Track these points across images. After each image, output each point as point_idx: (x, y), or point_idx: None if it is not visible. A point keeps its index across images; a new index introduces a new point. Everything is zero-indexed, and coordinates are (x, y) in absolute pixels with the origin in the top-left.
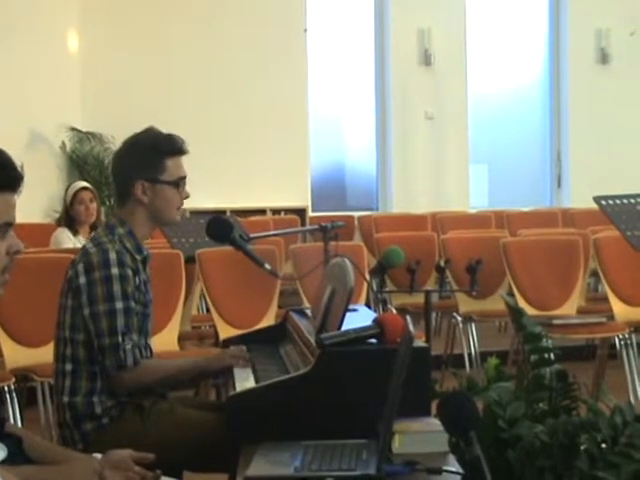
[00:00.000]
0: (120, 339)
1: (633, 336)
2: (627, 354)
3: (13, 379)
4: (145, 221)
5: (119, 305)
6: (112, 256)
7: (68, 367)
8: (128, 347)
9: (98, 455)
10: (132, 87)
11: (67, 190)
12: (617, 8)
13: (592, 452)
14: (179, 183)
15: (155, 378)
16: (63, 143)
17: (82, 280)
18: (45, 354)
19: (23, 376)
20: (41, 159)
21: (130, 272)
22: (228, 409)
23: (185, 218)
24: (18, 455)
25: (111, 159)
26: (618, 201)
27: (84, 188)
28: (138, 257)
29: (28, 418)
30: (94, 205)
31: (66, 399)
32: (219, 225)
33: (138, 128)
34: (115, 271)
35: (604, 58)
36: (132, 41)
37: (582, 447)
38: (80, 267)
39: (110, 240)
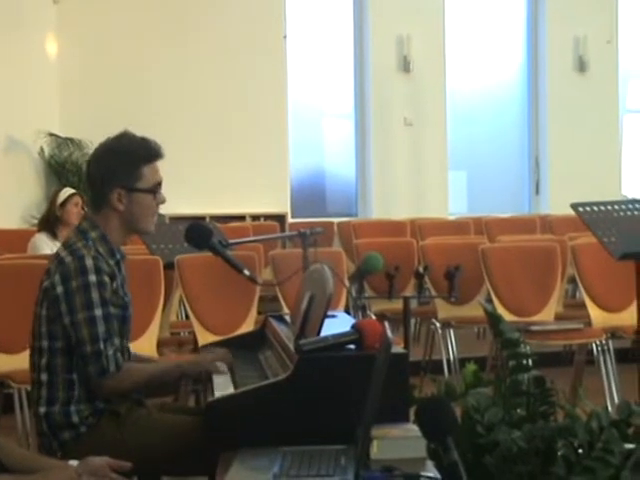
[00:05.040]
0: (102, 346)
1: (610, 342)
2: (604, 360)
3: None
4: (119, 227)
5: (98, 312)
6: (89, 262)
7: (44, 377)
8: (110, 353)
9: (74, 462)
10: (111, 92)
11: (58, 192)
12: (594, 16)
13: (569, 457)
14: (155, 189)
15: (137, 381)
16: (41, 149)
17: (60, 290)
18: (22, 360)
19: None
20: (19, 165)
21: (107, 278)
22: (207, 415)
23: (164, 224)
24: None
25: (86, 163)
26: (595, 208)
27: (78, 193)
28: (112, 261)
29: (5, 425)
30: (82, 211)
31: (43, 410)
32: (198, 231)
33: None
34: (92, 278)
35: (582, 66)
36: (110, 46)
37: (559, 452)
38: (57, 278)
39: (84, 245)
